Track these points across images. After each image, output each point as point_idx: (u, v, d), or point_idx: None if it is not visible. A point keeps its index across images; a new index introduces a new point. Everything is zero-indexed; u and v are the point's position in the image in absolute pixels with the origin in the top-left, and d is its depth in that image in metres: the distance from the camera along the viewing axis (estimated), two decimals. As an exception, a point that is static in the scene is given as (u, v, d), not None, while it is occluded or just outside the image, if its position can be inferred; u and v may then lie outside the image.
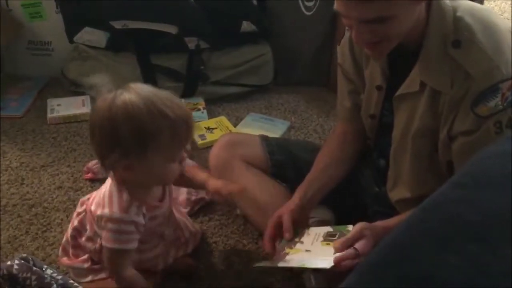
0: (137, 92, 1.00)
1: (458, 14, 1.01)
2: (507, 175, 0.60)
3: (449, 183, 0.64)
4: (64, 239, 1.25)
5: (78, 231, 1.20)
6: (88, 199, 1.19)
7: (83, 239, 1.19)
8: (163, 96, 1.02)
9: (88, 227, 1.17)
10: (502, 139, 0.70)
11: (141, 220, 1.08)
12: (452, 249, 0.55)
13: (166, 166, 1.06)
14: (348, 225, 1.11)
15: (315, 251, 1.10)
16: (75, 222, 1.21)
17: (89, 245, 1.18)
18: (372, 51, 1.05)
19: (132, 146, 0.99)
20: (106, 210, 1.06)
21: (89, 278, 1.17)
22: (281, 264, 1.09)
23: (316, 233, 1.15)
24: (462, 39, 0.99)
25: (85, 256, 1.19)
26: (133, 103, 0.98)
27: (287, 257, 1.11)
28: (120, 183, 1.07)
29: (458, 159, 1.05)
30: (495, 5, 2.95)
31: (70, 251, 1.22)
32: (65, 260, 1.23)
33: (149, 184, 1.11)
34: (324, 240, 1.11)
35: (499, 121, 0.98)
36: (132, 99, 0.99)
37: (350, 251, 1.01)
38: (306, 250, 1.12)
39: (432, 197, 0.64)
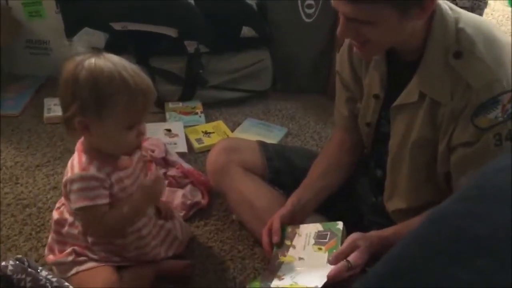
0: (106, 58, 1.06)
1: (460, 25, 1.01)
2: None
3: (456, 195, 0.64)
4: (50, 238, 1.25)
5: (60, 224, 1.20)
6: None
7: (66, 228, 1.19)
8: (129, 66, 1.07)
9: (67, 215, 1.18)
10: (508, 154, 0.70)
11: (102, 175, 1.10)
12: (461, 263, 0.56)
13: (121, 133, 1.09)
14: (338, 222, 1.13)
15: (308, 259, 1.11)
16: (55, 216, 1.22)
17: (74, 231, 1.18)
18: (358, 50, 1.07)
19: (89, 103, 1.04)
20: (69, 174, 1.10)
21: (74, 271, 1.17)
22: (274, 285, 1.09)
23: (306, 233, 1.16)
24: (464, 50, 1.00)
25: (69, 250, 1.18)
26: (97, 65, 1.05)
27: (280, 270, 1.12)
28: (80, 148, 1.12)
29: (456, 170, 1.05)
30: (493, 18, 2.97)
31: (56, 247, 1.22)
32: (50, 257, 1.23)
33: (106, 150, 1.12)
34: (316, 243, 1.12)
35: (498, 133, 0.98)
36: (98, 62, 1.05)
37: (342, 263, 1.02)
38: (300, 258, 1.13)
39: (439, 209, 0.64)
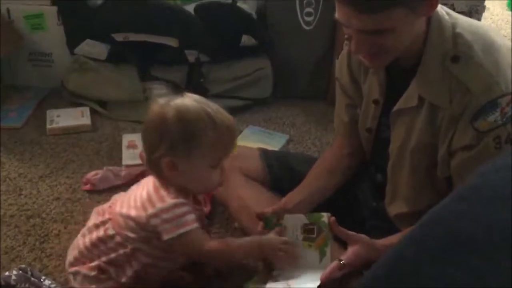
0: (190, 97, 1.10)
1: (457, 30, 1.02)
2: (511, 189, 0.60)
3: (452, 196, 0.65)
4: (77, 251, 1.19)
5: (102, 241, 1.16)
6: (110, 207, 1.18)
7: (110, 245, 1.15)
8: (213, 105, 1.10)
9: (115, 232, 1.14)
10: (505, 154, 0.71)
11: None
12: (456, 264, 0.56)
13: (208, 171, 1.10)
14: (322, 214, 1.14)
15: (300, 258, 1.12)
16: (100, 232, 1.16)
17: (120, 250, 1.14)
18: (370, 62, 1.06)
19: (178, 142, 1.05)
20: (159, 205, 1.08)
21: (93, 287, 1.15)
22: (268, 286, 1.09)
23: (292, 225, 1.16)
24: (461, 54, 1.00)
25: (93, 264, 1.16)
26: (184, 104, 1.07)
27: (275, 270, 1.13)
28: (165, 183, 1.11)
29: (457, 174, 1.05)
30: (492, 22, 2.98)
31: (86, 260, 1.18)
32: (74, 267, 1.19)
33: (191, 188, 1.12)
34: (304, 239, 1.14)
35: (498, 136, 0.99)
36: (184, 101, 1.08)
37: (335, 263, 1.04)
38: None
39: (434, 210, 0.65)
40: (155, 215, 1.08)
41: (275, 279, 1.11)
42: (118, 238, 1.14)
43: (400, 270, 0.59)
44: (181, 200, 1.08)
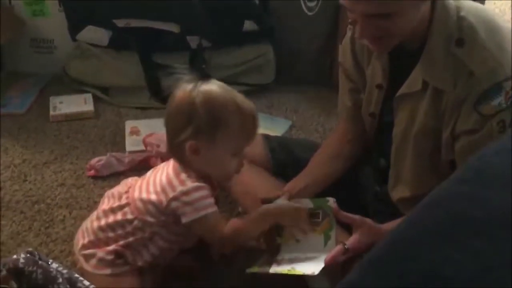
0: (217, 84, 1.11)
1: (462, 13, 1.02)
2: (511, 171, 0.60)
3: (452, 178, 0.65)
4: (93, 235, 1.19)
5: (121, 225, 1.16)
6: (126, 192, 1.18)
7: (129, 229, 1.15)
8: (238, 93, 1.12)
9: (134, 217, 1.14)
10: (505, 137, 0.71)
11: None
12: (456, 245, 0.56)
13: (229, 158, 1.11)
14: (328, 198, 1.14)
15: (304, 242, 1.13)
16: (117, 216, 1.16)
17: (138, 235, 1.15)
18: (374, 46, 1.06)
19: (205, 125, 1.07)
20: (180, 188, 1.09)
21: (108, 271, 1.15)
22: (272, 270, 1.10)
23: None
24: (466, 38, 1.00)
25: (111, 248, 1.16)
26: (213, 89, 1.09)
27: (279, 254, 1.14)
28: (186, 168, 1.12)
29: (461, 158, 1.05)
30: (496, 7, 2.96)
31: (101, 237, 1.18)
32: (89, 250, 1.18)
33: (210, 174, 1.13)
34: (309, 222, 1.14)
35: (502, 120, 0.99)
36: (212, 87, 1.09)
37: (339, 247, 1.04)
38: (296, 240, 1.15)
39: (435, 192, 0.65)
40: (175, 198, 1.09)
41: (279, 262, 1.12)
42: (136, 223, 1.14)
43: (399, 253, 0.59)
44: (201, 183, 1.10)
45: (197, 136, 1.07)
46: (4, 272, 0.86)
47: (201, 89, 1.08)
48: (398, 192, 1.19)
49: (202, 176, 1.12)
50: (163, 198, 1.10)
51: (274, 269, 1.10)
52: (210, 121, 1.06)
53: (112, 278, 1.15)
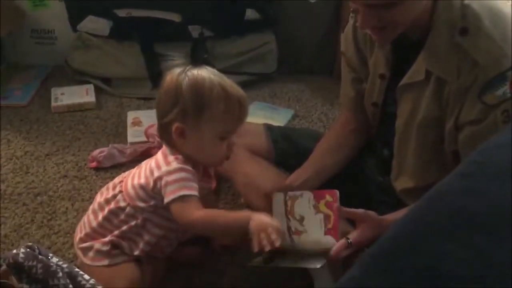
0: (206, 69, 1.12)
1: (466, 1, 1.00)
2: (512, 166, 0.59)
3: (455, 173, 0.64)
4: (88, 226, 1.20)
5: (114, 213, 1.17)
6: (121, 181, 1.19)
7: (122, 217, 1.16)
8: (228, 79, 1.12)
9: (126, 204, 1.16)
10: (508, 129, 0.70)
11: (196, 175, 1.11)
12: (458, 240, 0.55)
13: (215, 143, 1.11)
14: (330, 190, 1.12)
15: (309, 225, 1.12)
16: (111, 205, 1.17)
17: (131, 221, 1.16)
18: (377, 36, 1.05)
19: (190, 110, 1.07)
20: (165, 167, 1.10)
21: (106, 262, 1.16)
22: (273, 264, 1.09)
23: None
24: (470, 26, 0.98)
25: (107, 239, 1.17)
26: (200, 74, 1.10)
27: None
28: (174, 150, 1.12)
29: (464, 148, 1.04)
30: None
31: (97, 235, 1.19)
32: (86, 243, 1.19)
33: (197, 158, 1.13)
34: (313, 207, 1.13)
35: (506, 110, 0.97)
36: (201, 72, 1.10)
37: (342, 241, 1.03)
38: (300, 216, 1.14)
39: (437, 187, 0.64)
40: (160, 177, 1.09)
41: (282, 256, 1.11)
42: (128, 210, 1.15)
43: (400, 248, 0.58)
44: (186, 166, 1.10)
45: (182, 119, 1.08)
46: (4, 267, 0.86)
47: (188, 73, 1.09)
48: (401, 182, 1.19)
49: (190, 161, 1.12)
50: (150, 180, 1.11)
51: (277, 263, 1.09)
52: (195, 104, 1.07)
53: (110, 269, 1.15)
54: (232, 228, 1.11)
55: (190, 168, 1.10)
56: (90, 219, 1.20)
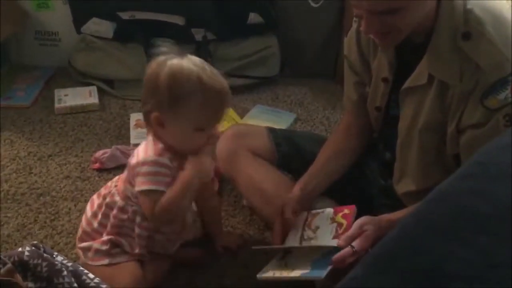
0: (188, 59, 1.10)
1: (468, 6, 1.00)
2: (514, 167, 0.60)
3: (458, 174, 0.64)
4: (87, 225, 1.23)
5: (110, 207, 1.19)
6: (117, 180, 1.22)
7: (114, 211, 1.18)
8: (209, 69, 1.10)
9: (119, 197, 1.18)
10: (508, 132, 0.70)
11: (173, 166, 1.11)
12: (461, 241, 0.55)
13: (193, 133, 1.10)
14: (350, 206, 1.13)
15: (321, 232, 1.13)
16: (107, 200, 1.20)
17: (123, 216, 1.18)
18: (381, 41, 1.05)
19: (165, 101, 1.07)
20: (141, 156, 1.11)
21: (106, 261, 1.17)
22: (277, 274, 1.10)
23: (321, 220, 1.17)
24: (472, 31, 0.99)
25: (106, 238, 1.18)
26: (179, 64, 1.08)
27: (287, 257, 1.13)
28: (156, 138, 1.13)
29: (466, 152, 1.04)
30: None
31: (95, 227, 1.21)
32: (84, 243, 1.21)
33: (175, 147, 1.13)
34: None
35: (508, 114, 0.98)
36: (180, 62, 1.09)
37: (347, 249, 1.02)
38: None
39: (440, 187, 0.64)
40: (135, 165, 1.11)
41: (288, 266, 1.11)
42: (119, 202, 1.17)
43: (403, 249, 0.58)
44: (162, 159, 1.10)
45: (160, 109, 1.08)
46: (9, 265, 0.86)
47: (168, 63, 1.08)
48: (403, 185, 1.19)
49: (171, 149, 1.12)
50: (133, 164, 1.13)
51: (282, 273, 1.09)
52: (170, 96, 1.06)
53: (111, 268, 1.16)
54: (185, 191, 1.09)
55: (165, 161, 1.10)
56: (88, 216, 1.22)
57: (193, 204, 1.32)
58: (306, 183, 1.25)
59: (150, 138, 1.15)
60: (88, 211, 1.24)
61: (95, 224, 1.21)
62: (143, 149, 1.13)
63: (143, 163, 1.10)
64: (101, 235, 1.20)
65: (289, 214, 1.19)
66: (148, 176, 1.09)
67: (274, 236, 1.22)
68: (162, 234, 1.21)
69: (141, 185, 1.10)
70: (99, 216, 1.20)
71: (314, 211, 1.20)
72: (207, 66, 1.10)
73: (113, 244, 1.18)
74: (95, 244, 1.19)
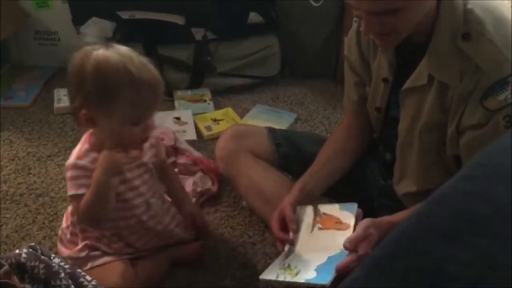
0: (114, 50, 1.04)
1: (469, 6, 1.00)
2: (515, 169, 0.59)
3: (458, 175, 0.64)
4: (60, 230, 1.26)
5: (74, 214, 1.20)
6: None
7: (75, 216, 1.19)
8: (137, 59, 1.04)
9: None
10: (509, 134, 0.70)
11: (94, 167, 1.08)
12: (462, 243, 0.55)
13: (128, 128, 1.06)
14: (354, 203, 1.12)
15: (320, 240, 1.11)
16: (70, 207, 1.22)
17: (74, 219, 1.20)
18: (380, 42, 1.05)
19: (93, 96, 1.02)
20: (69, 160, 1.11)
21: (88, 266, 1.17)
22: (281, 277, 1.08)
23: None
24: (472, 31, 0.98)
25: (81, 245, 1.19)
26: (105, 57, 1.02)
27: (287, 259, 1.12)
28: (86, 137, 1.12)
29: (466, 153, 1.04)
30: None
31: (68, 240, 1.22)
32: (63, 250, 1.23)
33: (110, 144, 1.09)
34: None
35: (508, 115, 0.97)
36: (106, 54, 1.02)
37: (351, 256, 0.99)
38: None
39: (441, 189, 0.64)
40: (65, 169, 1.11)
41: (291, 268, 1.10)
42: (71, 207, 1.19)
43: (404, 251, 0.58)
44: (80, 162, 1.08)
45: (88, 106, 1.03)
46: (6, 267, 0.86)
47: (93, 56, 1.01)
48: (403, 186, 1.19)
49: (99, 149, 1.09)
50: None
51: (285, 277, 1.08)
52: (99, 92, 1.01)
53: (96, 271, 1.15)
54: (98, 190, 1.07)
55: (83, 163, 1.08)
56: (64, 228, 1.24)
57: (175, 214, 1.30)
58: (304, 184, 1.24)
59: (83, 137, 1.13)
60: (63, 222, 1.25)
61: (68, 236, 1.22)
62: (74, 151, 1.12)
63: (66, 168, 1.10)
64: (76, 244, 1.20)
65: (291, 215, 1.17)
66: (70, 181, 1.09)
67: (276, 239, 1.19)
68: (130, 228, 1.19)
69: (68, 191, 1.10)
70: (70, 226, 1.21)
71: (322, 210, 1.17)
72: (136, 56, 1.05)
73: (91, 247, 1.18)
74: (72, 254, 1.19)
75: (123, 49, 1.05)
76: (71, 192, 1.09)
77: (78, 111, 1.05)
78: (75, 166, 1.09)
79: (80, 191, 1.08)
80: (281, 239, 1.17)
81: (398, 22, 0.97)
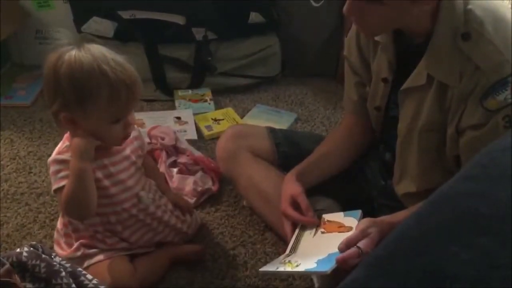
0: (88, 50, 1.03)
1: (469, 6, 1.00)
2: (517, 168, 0.59)
3: (459, 175, 0.64)
4: (55, 232, 1.27)
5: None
6: None
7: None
8: (112, 58, 1.04)
9: None
10: (509, 134, 0.70)
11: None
12: (463, 242, 0.55)
13: (108, 127, 1.07)
14: (358, 210, 1.12)
15: (323, 240, 1.11)
16: None
17: (65, 220, 1.21)
18: (358, 28, 1.08)
19: (71, 100, 1.03)
20: (52, 155, 1.13)
21: (85, 265, 1.17)
22: (281, 268, 1.08)
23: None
24: (472, 32, 0.98)
25: (76, 245, 1.19)
26: (78, 59, 1.01)
27: (290, 256, 1.12)
28: (68, 136, 1.12)
29: (465, 153, 1.04)
30: (505, -2, 2.92)
31: (62, 241, 1.23)
32: (60, 252, 1.23)
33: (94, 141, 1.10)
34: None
35: (508, 115, 0.97)
36: (79, 55, 1.02)
37: (353, 249, 1.00)
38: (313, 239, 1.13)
39: (441, 189, 0.64)
40: (48, 166, 1.13)
41: (292, 263, 1.11)
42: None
43: (405, 250, 0.58)
44: (60, 156, 1.10)
45: (68, 108, 1.04)
46: (7, 266, 0.86)
47: (66, 58, 1.02)
48: (403, 186, 1.19)
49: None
50: None
51: (285, 268, 1.09)
52: (75, 96, 1.02)
53: (93, 268, 1.15)
54: (75, 179, 1.07)
55: (63, 157, 1.09)
56: (58, 228, 1.25)
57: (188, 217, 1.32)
58: (301, 171, 1.24)
59: (65, 135, 1.14)
60: (58, 224, 1.25)
61: (63, 237, 1.22)
62: (57, 147, 1.14)
63: (48, 164, 1.12)
64: (71, 245, 1.21)
65: (307, 204, 1.18)
66: (53, 176, 1.10)
67: (286, 228, 1.20)
68: (120, 223, 1.19)
69: (52, 187, 1.11)
70: (63, 228, 1.22)
71: (327, 218, 1.17)
72: (109, 55, 1.04)
73: (86, 246, 1.19)
74: (68, 255, 1.19)
75: (96, 48, 1.05)
76: (54, 186, 1.10)
77: (58, 114, 1.06)
78: (55, 161, 1.10)
79: (62, 183, 1.09)
80: (297, 218, 1.17)
81: (376, 12, 0.98)
